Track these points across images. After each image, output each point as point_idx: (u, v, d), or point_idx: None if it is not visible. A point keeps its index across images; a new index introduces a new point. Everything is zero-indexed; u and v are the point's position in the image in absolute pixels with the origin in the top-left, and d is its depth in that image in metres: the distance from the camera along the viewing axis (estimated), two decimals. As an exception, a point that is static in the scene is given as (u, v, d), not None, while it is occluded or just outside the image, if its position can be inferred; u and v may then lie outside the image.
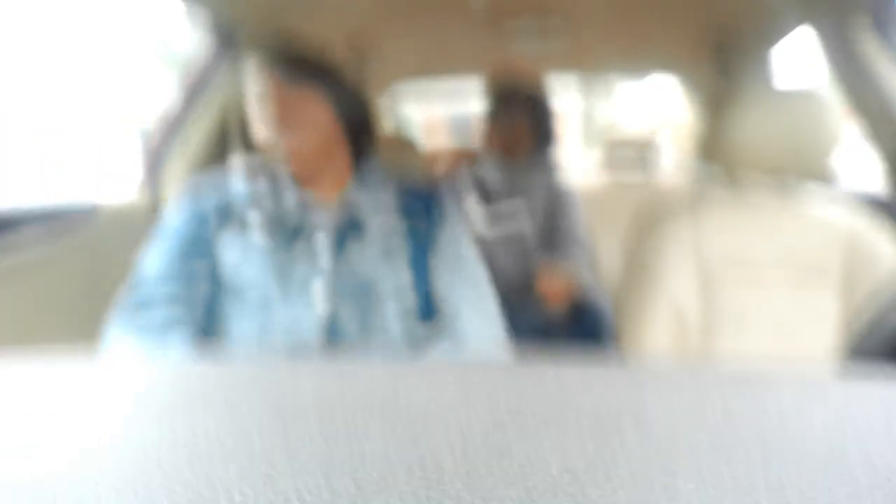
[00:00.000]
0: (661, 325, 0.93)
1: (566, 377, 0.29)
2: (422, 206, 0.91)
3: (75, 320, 1.13)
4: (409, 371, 0.31)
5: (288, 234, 0.83)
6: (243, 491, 0.19)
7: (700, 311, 0.93)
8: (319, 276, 0.81)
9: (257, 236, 0.82)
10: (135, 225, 1.32)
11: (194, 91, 1.40)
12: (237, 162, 0.91)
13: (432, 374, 0.30)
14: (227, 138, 1.53)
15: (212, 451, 0.21)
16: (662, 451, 0.21)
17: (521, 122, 1.61)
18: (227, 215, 0.84)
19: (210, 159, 1.47)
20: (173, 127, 1.41)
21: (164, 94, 1.44)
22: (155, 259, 0.83)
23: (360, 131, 0.92)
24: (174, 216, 0.86)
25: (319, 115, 0.86)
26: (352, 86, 0.92)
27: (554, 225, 1.65)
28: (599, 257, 2.19)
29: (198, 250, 0.83)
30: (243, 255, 0.82)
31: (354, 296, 0.82)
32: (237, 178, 0.88)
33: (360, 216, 0.86)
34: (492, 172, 1.66)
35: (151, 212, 1.39)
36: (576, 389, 0.28)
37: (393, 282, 0.84)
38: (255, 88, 0.85)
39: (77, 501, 0.18)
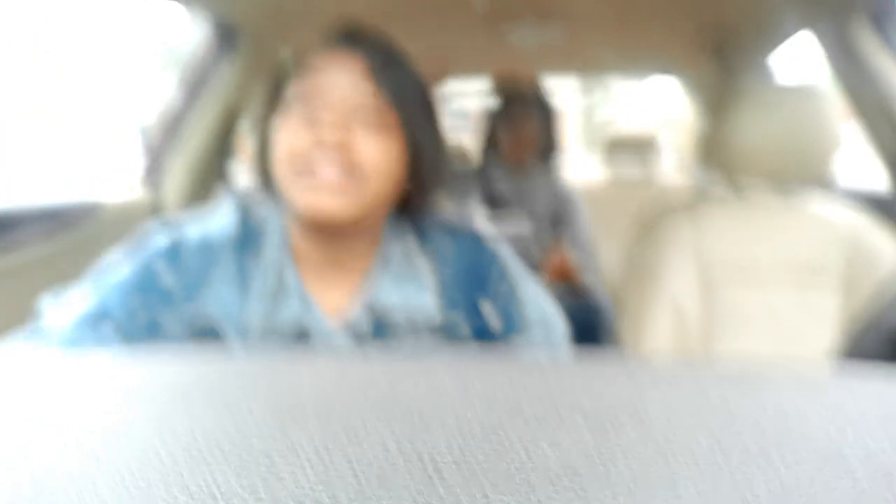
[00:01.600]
0: (661, 325, 0.93)
1: (566, 376, 0.29)
2: (467, 278, 0.65)
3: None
4: (408, 369, 0.31)
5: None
6: (242, 488, 0.19)
7: (700, 311, 0.93)
8: None
9: None
10: (136, 223, 1.32)
11: (195, 88, 1.40)
12: (225, 214, 0.63)
13: (432, 371, 0.30)
14: (228, 137, 1.53)
15: (210, 448, 0.21)
16: (662, 449, 0.21)
17: (530, 128, 1.62)
18: (193, 323, 0.58)
19: (211, 157, 1.47)
20: (174, 124, 1.41)
21: (165, 92, 1.44)
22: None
23: (425, 187, 0.64)
24: (109, 287, 0.59)
25: (392, 155, 0.58)
26: (437, 116, 0.65)
27: (560, 230, 1.67)
28: (599, 257, 2.19)
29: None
30: None
31: None
32: (228, 256, 0.61)
33: (387, 335, 0.61)
34: (499, 178, 1.67)
35: (152, 209, 1.39)
36: (576, 388, 0.28)
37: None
38: (309, 89, 0.57)
39: (76, 500, 0.18)
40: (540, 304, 0.71)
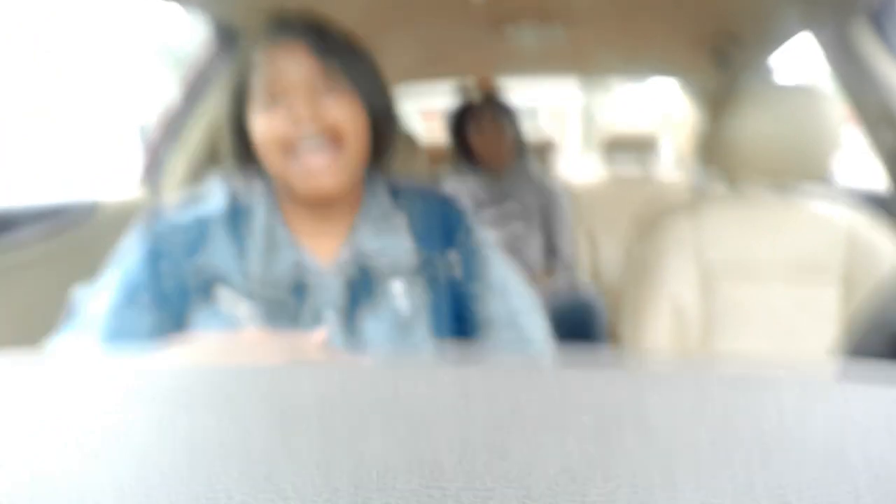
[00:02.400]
0: (661, 324, 0.93)
1: (565, 376, 0.29)
2: (438, 231, 0.74)
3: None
4: (409, 372, 0.31)
5: (288, 318, 0.65)
6: (242, 489, 0.19)
7: (700, 310, 0.93)
8: None
9: (244, 318, 0.64)
10: (135, 222, 1.32)
11: (195, 89, 1.40)
12: (215, 195, 0.71)
13: (431, 373, 0.30)
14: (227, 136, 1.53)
15: (211, 449, 0.21)
16: (662, 450, 0.21)
17: (505, 133, 1.68)
18: (205, 284, 0.65)
19: (210, 156, 1.47)
20: (174, 123, 1.41)
21: (165, 91, 1.44)
22: (105, 314, 0.63)
23: (385, 144, 0.72)
24: (129, 267, 0.66)
25: (357, 121, 0.66)
26: (382, 78, 0.72)
27: (548, 225, 1.70)
28: (599, 255, 2.19)
29: (161, 322, 0.64)
30: None
31: None
32: (221, 226, 0.68)
33: (372, 279, 0.68)
34: (478, 182, 1.72)
35: (152, 208, 1.39)
36: (575, 389, 0.28)
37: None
38: (269, 81, 0.64)
39: (76, 501, 0.18)
40: (502, 268, 0.77)
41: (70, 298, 0.68)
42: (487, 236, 0.78)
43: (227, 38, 1.37)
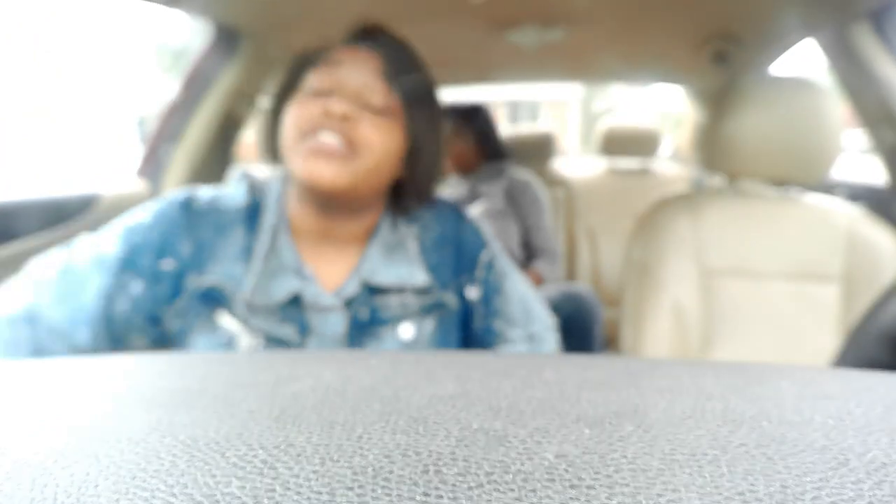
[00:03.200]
0: (660, 323, 0.93)
1: (566, 376, 0.29)
2: (454, 259, 0.69)
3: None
4: (409, 370, 0.31)
5: (285, 345, 0.62)
6: (242, 490, 0.19)
7: (700, 309, 0.93)
8: None
9: (244, 343, 0.61)
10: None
11: (196, 87, 1.40)
12: (238, 189, 0.67)
13: (432, 372, 0.30)
14: (228, 136, 1.53)
15: (211, 450, 0.21)
16: (659, 441, 0.21)
17: (465, 140, 1.72)
18: (207, 306, 0.61)
19: (210, 153, 1.47)
20: (173, 118, 1.41)
21: (164, 88, 1.44)
22: (91, 278, 0.60)
23: (419, 182, 0.67)
24: (143, 238, 0.62)
25: (390, 146, 0.62)
26: (439, 121, 0.68)
27: (523, 222, 1.72)
28: (599, 251, 2.20)
29: (153, 330, 0.61)
30: None
31: None
32: (237, 227, 0.64)
33: (379, 314, 0.64)
34: (450, 184, 1.76)
35: (151, 201, 1.39)
36: (574, 385, 0.28)
37: None
38: (323, 76, 0.61)
39: (76, 499, 0.18)
40: (524, 298, 0.74)
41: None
42: (508, 263, 0.74)
43: (228, 39, 1.37)
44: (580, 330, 1.44)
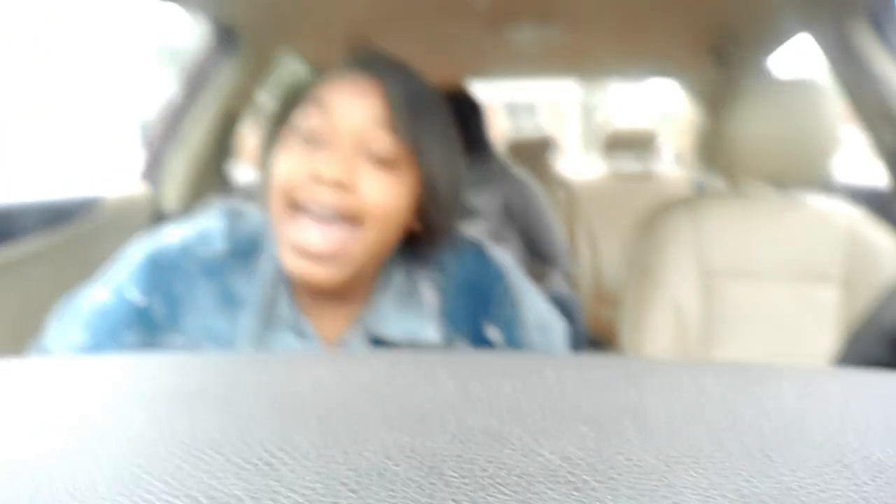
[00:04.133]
0: (661, 324, 0.93)
1: (566, 376, 0.29)
2: (471, 302, 0.61)
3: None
4: (409, 370, 0.31)
5: None
6: (243, 490, 0.19)
7: (700, 310, 0.93)
8: None
9: None
10: (135, 217, 1.32)
11: (195, 87, 1.40)
12: (214, 233, 0.58)
13: (432, 372, 0.30)
14: (228, 135, 1.53)
15: (211, 450, 0.21)
16: (660, 442, 0.21)
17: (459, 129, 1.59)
18: (184, 339, 0.55)
19: (210, 154, 1.47)
20: (174, 121, 1.41)
21: (165, 89, 1.45)
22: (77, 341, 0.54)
23: (435, 233, 0.58)
24: (109, 318, 0.55)
25: (399, 201, 0.53)
26: (457, 153, 0.60)
27: (519, 220, 1.60)
28: (599, 252, 2.20)
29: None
30: None
31: None
32: (214, 280, 0.56)
33: None
34: None
35: (152, 205, 1.39)
36: (576, 388, 0.28)
37: None
38: (318, 117, 0.52)
39: (76, 499, 0.18)
40: (542, 319, 0.66)
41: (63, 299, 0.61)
42: (520, 280, 0.65)
43: (227, 38, 1.37)
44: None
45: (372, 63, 0.55)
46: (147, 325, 0.54)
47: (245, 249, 0.57)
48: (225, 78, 1.40)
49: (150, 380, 0.29)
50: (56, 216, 1.13)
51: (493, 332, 0.61)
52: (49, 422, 0.24)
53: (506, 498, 0.18)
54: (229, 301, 0.55)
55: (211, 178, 1.51)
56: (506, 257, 0.66)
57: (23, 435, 0.23)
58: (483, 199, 1.58)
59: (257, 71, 1.44)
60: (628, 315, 0.98)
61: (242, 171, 1.62)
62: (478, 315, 0.61)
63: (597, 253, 2.20)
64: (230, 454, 0.21)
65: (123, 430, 0.23)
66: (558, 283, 1.58)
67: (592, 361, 0.32)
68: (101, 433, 0.23)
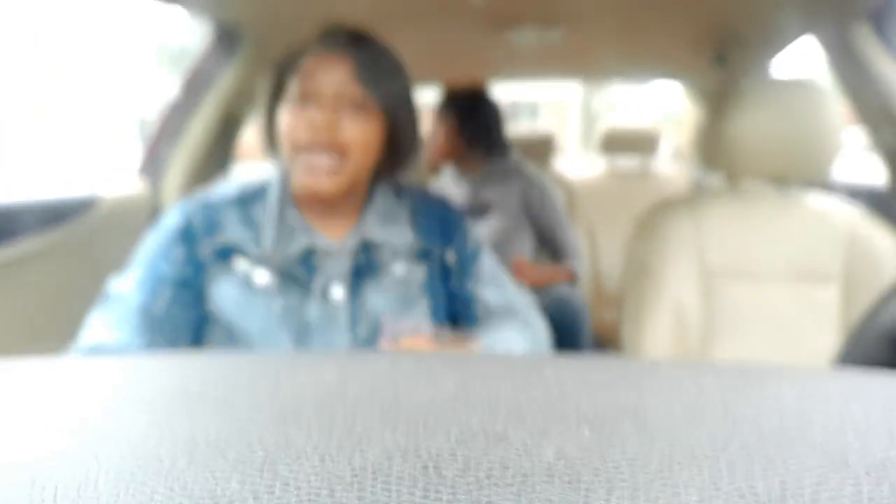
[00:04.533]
0: (661, 324, 0.93)
1: (566, 376, 0.29)
2: (437, 229, 0.82)
3: (74, 312, 1.14)
4: (409, 370, 0.31)
5: (301, 288, 0.73)
6: (243, 490, 0.19)
7: (700, 309, 0.93)
8: (342, 341, 0.72)
9: (263, 287, 0.72)
10: (134, 217, 1.32)
11: (196, 88, 1.40)
12: (235, 188, 0.78)
13: (432, 372, 0.30)
14: (228, 135, 1.53)
15: (211, 450, 0.21)
16: (659, 441, 0.21)
17: (478, 132, 1.62)
18: (224, 258, 0.73)
19: (210, 154, 1.47)
20: (174, 121, 1.41)
21: (164, 89, 1.44)
22: (133, 288, 0.70)
23: (401, 156, 0.79)
24: (157, 248, 0.73)
25: (372, 136, 0.73)
26: (413, 98, 0.79)
27: (535, 221, 1.65)
28: (599, 251, 2.20)
29: (186, 294, 0.71)
30: (249, 317, 0.71)
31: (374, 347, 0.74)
32: (235, 209, 0.75)
33: (377, 257, 0.77)
34: (454, 184, 1.68)
35: (151, 202, 1.39)
36: (576, 388, 0.28)
37: (412, 328, 0.76)
38: (305, 84, 0.71)
39: (76, 499, 0.18)
40: (496, 270, 0.86)
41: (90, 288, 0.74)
42: (481, 240, 0.87)
43: (229, 39, 1.37)
44: (568, 333, 1.43)
45: (341, 37, 0.74)
46: (189, 238, 0.73)
47: (252, 193, 0.77)
48: (225, 78, 1.40)
49: (151, 381, 0.29)
50: (55, 215, 1.13)
51: (451, 256, 0.82)
52: (49, 422, 0.24)
53: (506, 498, 0.18)
54: (249, 222, 0.74)
55: (211, 177, 1.51)
56: (465, 215, 0.87)
57: (24, 436, 0.23)
58: (500, 195, 1.62)
59: (258, 71, 1.44)
60: (628, 314, 0.97)
61: (242, 171, 1.62)
62: (443, 239, 0.82)
63: (596, 251, 2.20)
64: (230, 454, 0.21)
65: (124, 431, 0.23)
66: (564, 286, 1.59)
67: (592, 361, 0.32)
68: (101, 435, 0.23)
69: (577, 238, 1.69)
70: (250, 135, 1.56)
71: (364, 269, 0.75)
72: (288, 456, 0.21)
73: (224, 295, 0.72)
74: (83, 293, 1.15)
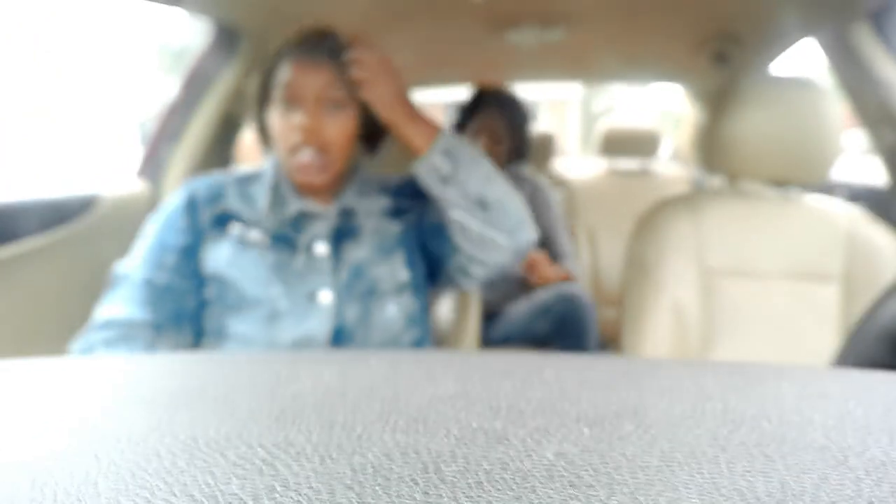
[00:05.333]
0: (661, 323, 0.93)
1: (566, 376, 0.29)
2: (408, 192, 0.92)
3: (74, 311, 1.14)
4: (409, 369, 0.31)
5: (289, 246, 0.82)
6: (243, 490, 0.19)
7: (700, 309, 0.93)
8: (325, 286, 0.81)
9: (257, 249, 0.81)
10: (134, 215, 1.32)
11: (195, 85, 1.40)
12: (236, 173, 0.89)
13: (432, 372, 0.30)
14: (228, 135, 1.53)
15: (211, 450, 0.21)
16: (659, 441, 0.21)
17: (497, 135, 1.63)
18: (221, 224, 0.83)
19: (210, 154, 1.47)
20: (173, 119, 1.41)
21: (164, 89, 1.44)
22: (139, 265, 0.81)
23: (375, 142, 0.92)
24: (163, 221, 0.83)
25: (350, 131, 0.84)
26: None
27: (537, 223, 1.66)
28: (599, 251, 2.19)
29: (187, 261, 0.81)
30: (242, 269, 0.80)
31: (358, 300, 0.82)
32: (235, 186, 0.86)
33: (356, 221, 0.87)
34: None
35: (151, 202, 1.39)
36: (574, 385, 0.28)
37: (391, 280, 0.85)
38: (290, 87, 0.80)
39: (76, 499, 0.18)
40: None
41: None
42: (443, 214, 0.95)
43: (229, 40, 1.37)
44: (575, 330, 1.43)
45: (319, 42, 0.83)
46: (192, 208, 0.82)
47: (251, 175, 0.89)
48: (225, 79, 1.40)
49: (151, 381, 0.29)
50: (55, 214, 1.13)
51: (425, 211, 0.91)
52: (49, 422, 0.24)
53: (506, 498, 0.18)
54: (247, 196, 0.85)
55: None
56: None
57: (24, 436, 0.23)
58: None
59: (257, 72, 1.44)
60: (628, 314, 0.97)
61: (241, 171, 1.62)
62: (414, 199, 0.91)
63: (596, 251, 2.20)
64: (230, 454, 0.21)
65: (124, 431, 0.23)
66: (571, 284, 1.59)
67: (592, 361, 0.32)
68: (100, 433, 0.23)
69: (570, 245, 1.72)
70: (248, 137, 1.56)
71: (344, 229, 0.85)
72: (288, 456, 0.21)
73: (219, 255, 0.80)
74: (83, 292, 1.15)
